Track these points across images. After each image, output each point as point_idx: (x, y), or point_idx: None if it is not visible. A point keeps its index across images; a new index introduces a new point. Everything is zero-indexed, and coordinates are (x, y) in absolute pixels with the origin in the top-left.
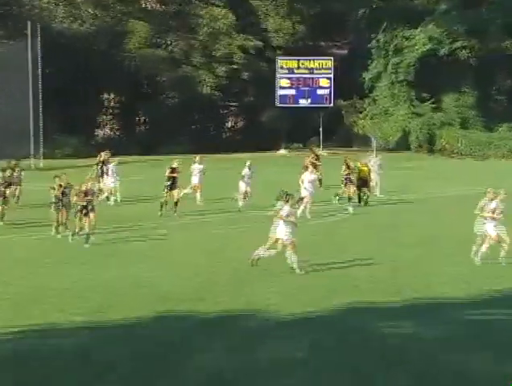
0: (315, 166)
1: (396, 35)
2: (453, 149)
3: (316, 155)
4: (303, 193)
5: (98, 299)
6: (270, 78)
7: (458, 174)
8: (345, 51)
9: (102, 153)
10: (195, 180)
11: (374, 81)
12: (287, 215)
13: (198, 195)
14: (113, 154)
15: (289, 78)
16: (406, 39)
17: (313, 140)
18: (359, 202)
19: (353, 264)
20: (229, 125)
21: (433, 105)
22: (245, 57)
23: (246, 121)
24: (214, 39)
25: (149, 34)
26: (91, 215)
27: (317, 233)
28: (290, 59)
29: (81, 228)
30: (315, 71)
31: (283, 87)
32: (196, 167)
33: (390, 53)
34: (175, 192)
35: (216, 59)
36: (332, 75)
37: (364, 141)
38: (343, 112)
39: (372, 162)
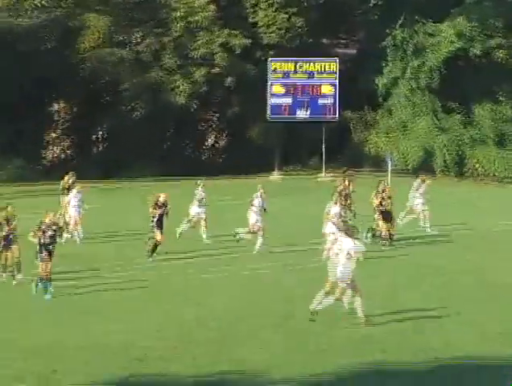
0: (344, 196)
1: (417, 31)
2: (487, 173)
3: (349, 182)
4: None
5: (49, 361)
6: (260, 84)
7: (494, 203)
8: (354, 51)
9: (70, 174)
10: (195, 210)
11: (390, 88)
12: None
13: (184, 223)
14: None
15: (284, 84)
16: (430, 35)
17: (314, 161)
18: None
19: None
20: (210, 142)
21: (462, 118)
22: (229, 58)
23: (230, 138)
24: (191, 37)
25: (109, 30)
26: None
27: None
28: (284, 61)
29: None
30: (316, 76)
31: (277, 95)
32: (200, 193)
33: (410, 53)
34: (159, 234)
35: (194, 60)
36: (337, 81)
37: (376, 163)
38: (351, 126)
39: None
